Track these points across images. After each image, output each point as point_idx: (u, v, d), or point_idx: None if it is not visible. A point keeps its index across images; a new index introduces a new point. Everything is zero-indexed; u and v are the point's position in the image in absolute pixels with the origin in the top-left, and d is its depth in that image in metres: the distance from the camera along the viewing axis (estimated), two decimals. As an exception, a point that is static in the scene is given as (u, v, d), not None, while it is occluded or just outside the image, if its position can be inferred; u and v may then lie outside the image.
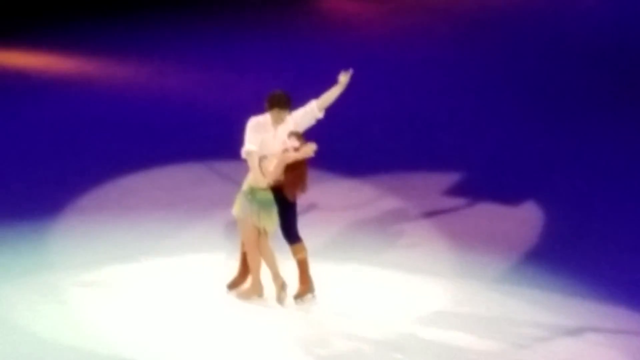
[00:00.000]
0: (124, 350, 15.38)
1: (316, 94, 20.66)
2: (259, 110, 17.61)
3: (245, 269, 17.53)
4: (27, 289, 16.61)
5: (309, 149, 16.38)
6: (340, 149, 20.65)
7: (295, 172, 16.37)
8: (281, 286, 16.82)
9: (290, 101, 16.30)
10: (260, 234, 17.27)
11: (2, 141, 22.19)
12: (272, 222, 17.03)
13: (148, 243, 18.00)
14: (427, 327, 15.67)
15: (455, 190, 19.94)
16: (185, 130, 22.44)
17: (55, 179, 20.23)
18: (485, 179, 20.30)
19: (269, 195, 16.92)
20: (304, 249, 16.51)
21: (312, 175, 16.68)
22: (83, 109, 23.23)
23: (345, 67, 22.29)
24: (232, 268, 16.86)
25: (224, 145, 20.02)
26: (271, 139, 16.28)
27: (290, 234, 16.40)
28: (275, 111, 16.18)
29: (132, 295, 16.64)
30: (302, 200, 16.97)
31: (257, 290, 16.82)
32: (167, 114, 23.08)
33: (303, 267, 16.59)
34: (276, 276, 16.98)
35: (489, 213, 19.17)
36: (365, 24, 29.49)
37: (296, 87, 19.88)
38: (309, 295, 16.62)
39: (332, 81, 22.09)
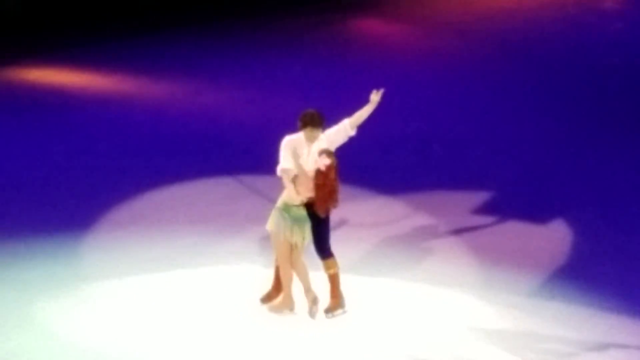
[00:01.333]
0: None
1: (346, 112, 21.46)
2: (291, 127, 17.56)
3: (278, 284, 17.44)
4: (63, 299, 16.63)
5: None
6: (371, 167, 20.66)
7: (325, 189, 16.30)
8: (313, 300, 16.82)
9: (323, 119, 16.19)
10: (293, 248, 17.16)
11: (42, 155, 21.95)
12: (304, 238, 16.97)
13: (182, 256, 17.81)
14: (455, 341, 15.49)
15: (484, 208, 19.72)
16: (219, 146, 22.30)
17: (91, 193, 20.06)
18: (513, 196, 20.00)
19: (303, 212, 16.83)
20: (335, 264, 16.45)
21: (344, 192, 16.56)
22: (121, 125, 23.18)
23: (374, 86, 22.45)
24: (265, 282, 16.78)
25: (257, 161, 19.95)
26: (305, 157, 16.35)
27: (323, 250, 16.28)
28: (308, 130, 16.23)
29: (164, 307, 16.49)
30: (334, 217, 16.89)
31: (288, 305, 16.79)
32: (202, 130, 22.87)
33: (334, 282, 16.52)
34: (308, 290, 16.95)
35: (516, 230, 18.93)
36: (393, 44, 28.95)
37: (327, 106, 20.28)
38: (340, 310, 16.49)
39: (362, 99, 22.40)
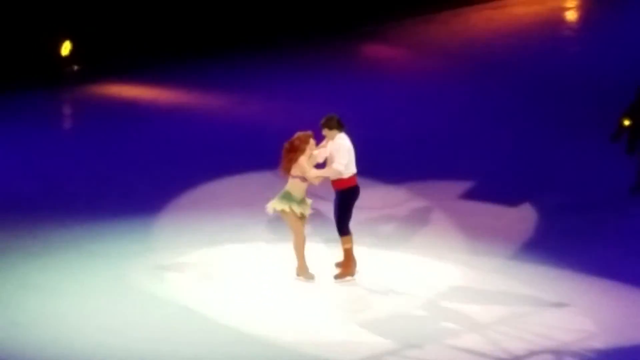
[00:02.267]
0: (210, 314, 16.16)
1: (358, 115, 21.75)
2: (312, 129, 18.52)
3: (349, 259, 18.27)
4: (139, 268, 17.61)
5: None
6: (380, 162, 20.88)
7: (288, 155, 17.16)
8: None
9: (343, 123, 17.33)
10: (303, 220, 18.25)
11: (119, 155, 22.62)
12: (309, 208, 18.11)
13: (231, 233, 18.82)
14: (444, 298, 16.56)
15: (468, 194, 20.33)
16: (259, 146, 22.23)
17: (160, 184, 20.86)
18: (491, 184, 20.59)
19: (302, 195, 18.03)
20: (351, 240, 17.16)
21: (360, 182, 17.55)
22: (181, 129, 23.66)
23: (379, 97, 24.58)
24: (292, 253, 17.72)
25: None
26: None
27: (344, 228, 17.02)
28: (335, 131, 16.87)
29: (218, 273, 17.59)
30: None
31: (304, 272, 17.57)
32: (245, 133, 23.34)
33: (348, 254, 17.20)
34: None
35: (494, 211, 19.58)
36: (395, 64, 28.53)
37: (343, 112, 20.96)
38: (349, 278, 17.29)
39: (369, 107, 24.00)
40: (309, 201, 18.53)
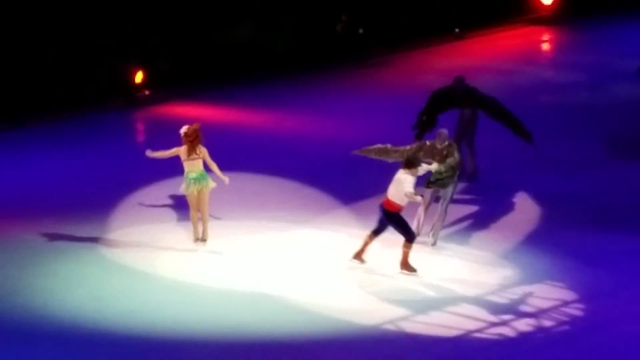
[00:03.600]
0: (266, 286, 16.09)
1: (374, 128, 22.31)
2: (341, 142, 20.75)
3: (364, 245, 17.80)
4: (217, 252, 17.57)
5: None
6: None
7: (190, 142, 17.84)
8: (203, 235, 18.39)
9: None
10: (200, 196, 18.34)
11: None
12: (209, 185, 18.52)
13: (278, 223, 18.64)
14: (449, 281, 16.40)
15: (464, 194, 19.67)
16: (299, 153, 22.37)
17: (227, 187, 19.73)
18: (483, 187, 20.08)
19: (196, 174, 18.14)
20: (410, 246, 16.75)
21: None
22: (237, 141, 23.25)
23: (385, 114, 23.89)
24: (333, 236, 17.73)
25: (327, 163, 21.38)
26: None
27: (406, 235, 16.75)
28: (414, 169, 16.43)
29: (272, 256, 17.40)
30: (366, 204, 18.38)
31: (197, 234, 17.88)
32: (286, 145, 22.96)
33: (405, 255, 16.74)
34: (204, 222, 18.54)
35: (485, 211, 19.12)
36: (398, 87, 26.69)
37: (365, 124, 22.48)
38: (406, 272, 16.76)
39: (380, 123, 22.99)
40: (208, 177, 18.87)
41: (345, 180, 21.69)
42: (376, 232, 17.21)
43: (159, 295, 17.28)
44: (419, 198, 17.10)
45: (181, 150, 19.13)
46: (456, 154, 17.96)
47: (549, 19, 31.06)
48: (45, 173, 21.97)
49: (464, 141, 20.79)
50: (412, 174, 16.86)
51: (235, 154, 22.63)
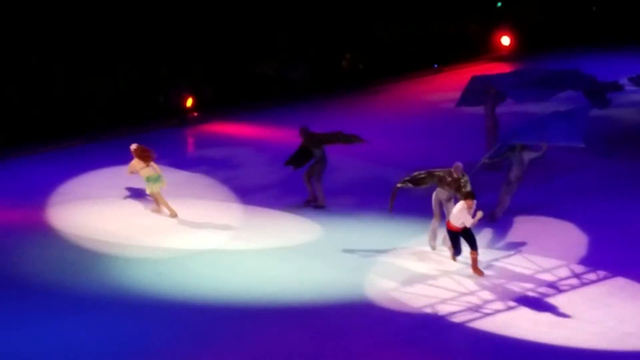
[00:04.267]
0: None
1: (385, 139, 23.52)
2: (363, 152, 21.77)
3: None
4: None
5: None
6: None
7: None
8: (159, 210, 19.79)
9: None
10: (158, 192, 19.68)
11: (223, 167, 22.96)
12: (160, 185, 19.60)
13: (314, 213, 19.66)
14: (459, 273, 16.82)
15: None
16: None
17: (245, 188, 21.46)
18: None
19: (151, 175, 19.44)
20: (476, 254, 16.78)
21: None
22: (264, 153, 23.73)
23: (393, 128, 24.86)
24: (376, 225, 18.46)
25: (333, 168, 21.12)
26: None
27: (472, 246, 16.79)
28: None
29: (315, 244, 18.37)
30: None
31: (173, 213, 19.30)
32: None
33: (474, 261, 16.68)
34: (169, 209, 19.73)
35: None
36: (392, 107, 27.48)
37: (379, 136, 22.90)
38: (477, 275, 16.79)
39: (376, 135, 23.05)
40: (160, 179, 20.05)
41: (347, 181, 21.97)
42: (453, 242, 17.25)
43: (210, 270, 18.24)
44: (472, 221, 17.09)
45: (133, 164, 20.40)
46: (469, 183, 17.68)
47: (508, 56, 31.86)
48: (118, 176, 22.13)
49: (314, 175, 20.78)
50: (468, 206, 16.90)
51: (259, 160, 23.65)
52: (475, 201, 17.06)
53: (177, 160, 23.96)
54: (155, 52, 28.13)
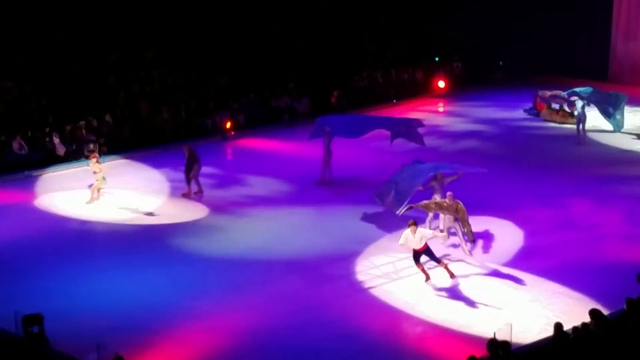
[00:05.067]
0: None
1: (346, 152, 23.67)
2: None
3: None
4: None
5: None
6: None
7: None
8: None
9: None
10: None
11: (253, 171, 23.99)
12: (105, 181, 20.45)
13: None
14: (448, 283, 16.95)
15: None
16: (307, 163, 23.96)
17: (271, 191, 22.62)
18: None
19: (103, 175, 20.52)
20: (445, 264, 16.66)
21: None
22: (285, 162, 25.07)
23: (357, 146, 24.19)
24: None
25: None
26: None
27: (437, 260, 16.77)
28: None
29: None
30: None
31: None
32: (304, 159, 24.60)
33: (446, 269, 16.56)
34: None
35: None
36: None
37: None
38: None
39: (352, 148, 23.95)
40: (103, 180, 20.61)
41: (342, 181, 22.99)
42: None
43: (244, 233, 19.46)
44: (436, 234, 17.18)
45: (92, 163, 21.10)
46: (462, 205, 17.56)
47: (442, 94, 32.81)
48: (179, 179, 22.79)
49: (192, 179, 21.63)
50: (412, 231, 16.51)
51: (274, 164, 24.90)
52: (417, 227, 16.65)
53: (220, 163, 24.84)
54: (205, 92, 29.30)
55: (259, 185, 23.19)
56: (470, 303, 16.20)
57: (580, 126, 25.46)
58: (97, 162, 20.87)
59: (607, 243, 18.73)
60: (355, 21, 33.25)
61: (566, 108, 27.71)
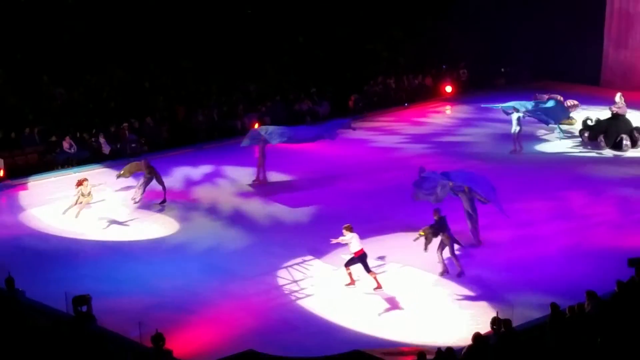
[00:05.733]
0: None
1: (362, 150, 24.36)
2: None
3: None
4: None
5: None
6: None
7: None
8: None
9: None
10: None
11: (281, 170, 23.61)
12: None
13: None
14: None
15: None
16: (330, 160, 24.33)
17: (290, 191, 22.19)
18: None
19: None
20: (374, 274, 15.74)
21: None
22: (305, 156, 24.78)
23: (372, 143, 25.16)
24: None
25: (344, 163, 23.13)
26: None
27: (368, 269, 15.82)
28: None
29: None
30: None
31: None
32: (326, 155, 24.73)
33: (374, 279, 15.66)
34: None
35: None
36: (379, 130, 28.05)
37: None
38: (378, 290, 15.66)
39: (368, 146, 24.58)
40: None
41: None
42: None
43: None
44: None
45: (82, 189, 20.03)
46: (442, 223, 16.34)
47: (449, 98, 32.54)
48: (198, 176, 23.30)
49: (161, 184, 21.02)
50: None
51: (298, 159, 24.70)
52: (351, 233, 15.83)
53: (248, 159, 24.33)
54: (235, 97, 29.54)
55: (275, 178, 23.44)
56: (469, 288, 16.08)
57: (516, 136, 24.82)
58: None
59: (599, 231, 18.82)
60: (370, 31, 33.49)
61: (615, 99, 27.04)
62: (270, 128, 23.30)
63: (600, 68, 33.06)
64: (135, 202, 20.61)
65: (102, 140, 25.47)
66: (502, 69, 34.30)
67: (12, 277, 14.92)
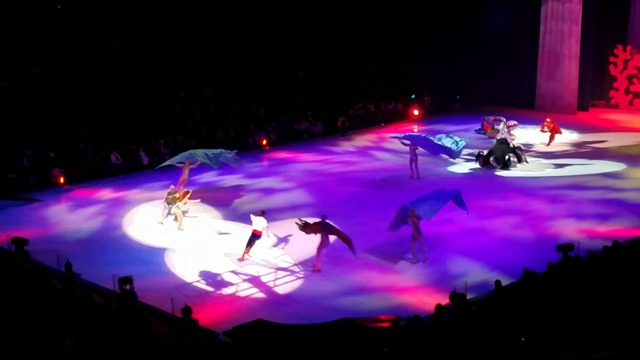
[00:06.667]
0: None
1: (349, 161, 23.76)
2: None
3: None
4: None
5: None
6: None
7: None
8: None
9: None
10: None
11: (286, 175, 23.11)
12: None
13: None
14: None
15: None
16: (326, 172, 23.41)
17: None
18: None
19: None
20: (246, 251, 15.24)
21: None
22: (304, 167, 24.04)
23: (354, 155, 24.47)
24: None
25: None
26: None
27: (248, 245, 15.53)
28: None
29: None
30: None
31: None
32: (322, 168, 24.04)
33: (244, 253, 15.18)
34: None
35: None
36: (360, 144, 27.27)
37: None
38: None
39: (353, 158, 23.76)
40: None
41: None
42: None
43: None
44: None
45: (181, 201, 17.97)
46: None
47: (416, 120, 32.01)
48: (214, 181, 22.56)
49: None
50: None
51: (298, 169, 23.91)
52: (260, 217, 15.65)
53: (257, 170, 24.17)
54: (248, 119, 28.97)
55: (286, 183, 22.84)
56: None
57: (413, 164, 22.37)
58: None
59: (533, 224, 18.33)
60: (354, 68, 33.27)
61: (497, 127, 25.71)
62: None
63: (534, 95, 32.92)
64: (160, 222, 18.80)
65: (141, 153, 25.13)
66: (458, 97, 34.06)
67: (70, 262, 14.91)
